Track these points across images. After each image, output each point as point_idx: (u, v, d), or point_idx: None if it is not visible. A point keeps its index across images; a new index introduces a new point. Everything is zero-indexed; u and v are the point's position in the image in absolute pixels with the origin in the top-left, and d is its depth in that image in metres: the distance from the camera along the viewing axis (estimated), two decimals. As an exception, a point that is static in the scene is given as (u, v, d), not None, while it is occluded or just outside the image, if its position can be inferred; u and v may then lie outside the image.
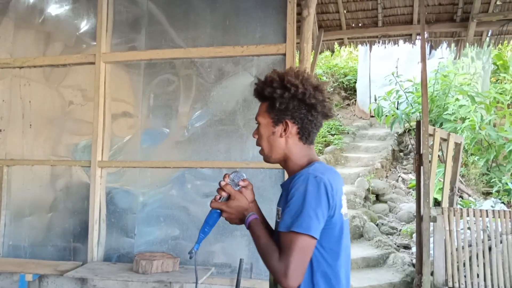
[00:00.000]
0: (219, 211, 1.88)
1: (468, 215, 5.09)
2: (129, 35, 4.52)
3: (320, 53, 6.77)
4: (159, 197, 4.34)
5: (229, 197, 1.88)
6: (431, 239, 5.04)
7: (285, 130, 1.84)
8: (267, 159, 1.94)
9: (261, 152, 1.94)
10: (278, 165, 4.05)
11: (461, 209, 5.16)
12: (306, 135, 1.86)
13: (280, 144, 1.86)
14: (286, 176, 2.00)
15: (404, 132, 11.04)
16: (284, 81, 1.80)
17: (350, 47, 6.88)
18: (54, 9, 4.73)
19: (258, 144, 1.94)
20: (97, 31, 4.46)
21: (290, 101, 1.80)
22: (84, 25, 4.62)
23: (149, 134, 4.46)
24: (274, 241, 1.73)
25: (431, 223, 4.98)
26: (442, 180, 5.85)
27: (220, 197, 1.89)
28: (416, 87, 9.46)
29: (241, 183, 1.92)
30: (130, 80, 4.54)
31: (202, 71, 4.33)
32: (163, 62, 4.40)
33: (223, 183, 1.89)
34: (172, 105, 4.40)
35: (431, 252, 4.99)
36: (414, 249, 6.27)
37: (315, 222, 1.64)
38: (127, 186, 4.45)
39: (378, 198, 8.98)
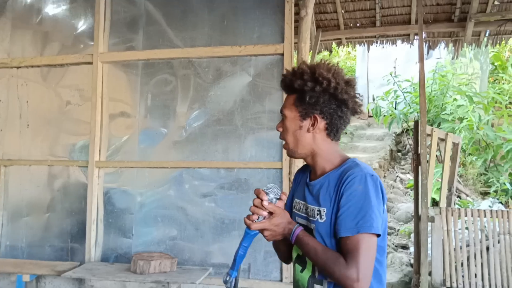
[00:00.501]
0: (256, 231, 1.72)
1: (466, 215, 5.09)
2: (127, 35, 4.51)
3: (318, 53, 6.77)
4: (157, 197, 4.34)
5: (270, 215, 1.71)
6: (429, 239, 5.04)
7: (313, 125, 1.74)
8: (291, 154, 1.82)
9: (285, 146, 1.82)
10: (276, 165, 4.06)
11: (459, 209, 5.16)
12: (334, 131, 1.77)
13: (307, 139, 1.76)
14: (293, 173, 1.98)
15: (402, 132, 11.04)
16: (315, 74, 1.71)
17: (348, 47, 6.88)
18: (51, 9, 4.72)
19: (282, 137, 1.83)
20: (95, 31, 4.45)
21: (321, 95, 1.71)
22: (82, 25, 4.61)
23: (146, 134, 4.46)
24: (330, 250, 1.63)
25: (429, 223, 4.97)
26: (440, 180, 5.85)
27: (258, 215, 1.71)
28: (414, 87, 9.48)
29: (283, 197, 1.76)
30: (127, 80, 4.53)
31: (200, 71, 4.33)
32: (160, 62, 4.39)
33: (265, 203, 1.70)
34: (170, 105, 4.40)
35: (429, 252, 4.99)
36: (412, 249, 6.27)
37: (379, 219, 1.60)
38: (125, 186, 4.44)
39: (376, 198, 8.96)
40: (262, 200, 1.69)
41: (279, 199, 1.75)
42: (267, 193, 1.72)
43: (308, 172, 1.87)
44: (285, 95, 1.89)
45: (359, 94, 1.80)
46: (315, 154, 1.78)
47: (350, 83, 1.76)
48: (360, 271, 1.53)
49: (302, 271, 1.79)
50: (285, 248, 1.90)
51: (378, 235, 1.60)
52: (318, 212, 1.71)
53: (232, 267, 1.75)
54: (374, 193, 1.60)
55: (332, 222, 1.65)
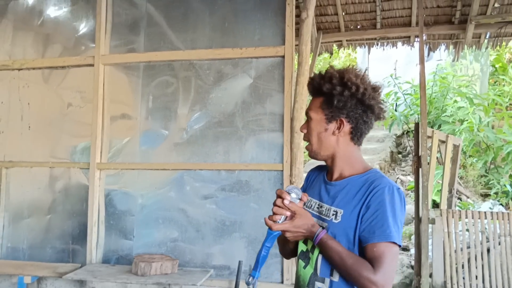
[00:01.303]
0: (279, 232, 1.72)
1: (466, 217, 5.10)
2: (128, 37, 4.52)
3: (318, 55, 6.78)
4: (158, 199, 4.34)
5: (291, 216, 1.72)
6: (430, 241, 5.05)
7: (338, 128, 1.78)
8: (314, 155, 1.85)
9: (308, 147, 1.86)
10: (277, 167, 4.07)
11: (460, 211, 5.17)
12: (358, 136, 1.81)
13: (331, 141, 1.80)
14: (306, 171, 1.95)
15: (403, 134, 11.06)
16: (344, 79, 1.75)
17: (348, 49, 6.89)
18: (53, 11, 4.73)
19: (305, 139, 1.87)
20: (96, 33, 4.46)
21: (349, 99, 1.75)
22: (83, 27, 4.62)
23: (148, 136, 4.46)
24: (354, 255, 1.66)
25: (430, 225, 4.97)
26: (441, 182, 5.85)
27: (281, 216, 1.71)
28: (414, 89, 9.50)
29: (305, 198, 1.76)
30: (129, 82, 4.54)
31: (201, 73, 4.34)
32: (162, 64, 4.40)
33: (286, 202, 1.70)
34: (171, 107, 4.40)
35: (430, 254, 4.99)
36: (412, 251, 6.27)
37: (401, 232, 1.66)
38: (126, 188, 4.45)
39: (377, 200, 8.97)
40: (284, 199, 1.70)
41: (300, 199, 1.75)
42: (289, 193, 1.72)
43: (324, 172, 1.91)
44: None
45: (383, 100, 1.85)
46: (336, 156, 1.82)
47: (376, 89, 1.80)
48: (386, 277, 1.58)
49: (305, 267, 1.82)
50: (293, 244, 1.91)
51: (400, 246, 1.66)
52: (334, 213, 1.74)
53: (255, 268, 1.76)
54: (400, 206, 1.67)
55: (350, 225, 1.69)
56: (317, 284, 1.74)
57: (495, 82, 11.23)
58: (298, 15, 4.31)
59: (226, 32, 4.30)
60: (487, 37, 6.12)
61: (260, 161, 4.11)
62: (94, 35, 4.49)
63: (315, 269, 1.76)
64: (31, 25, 4.76)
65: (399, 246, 1.65)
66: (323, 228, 1.74)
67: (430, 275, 4.93)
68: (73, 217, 4.46)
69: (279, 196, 1.73)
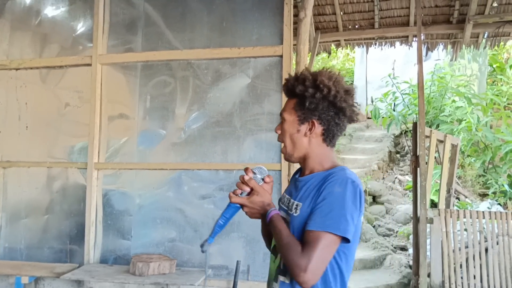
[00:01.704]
0: (238, 206, 1.83)
1: (464, 217, 5.10)
2: (126, 36, 4.51)
3: (316, 54, 6.79)
4: (156, 199, 4.34)
5: (250, 192, 1.83)
6: (428, 241, 5.05)
7: (310, 129, 1.82)
8: (288, 158, 1.89)
9: (283, 149, 1.90)
10: (275, 167, 4.06)
11: (458, 210, 5.17)
12: (330, 137, 1.84)
13: (303, 143, 1.84)
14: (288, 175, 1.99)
15: (401, 133, 11.06)
16: (317, 81, 1.78)
17: (346, 48, 6.89)
18: (50, 11, 4.72)
19: (280, 139, 1.91)
20: (94, 33, 4.45)
21: (321, 101, 1.79)
22: (81, 27, 4.61)
23: (145, 136, 4.46)
24: (295, 238, 1.70)
25: (428, 225, 4.98)
26: (439, 181, 5.86)
27: (241, 192, 1.83)
28: (412, 89, 9.49)
29: (267, 180, 1.88)
30: (126, 81, 4.53)
31: (199, 73, 4.33)
32: (159, 63, 4.39)
33: (247, 177, 1.83)
34: (169, 106, 4.40)
35: (428, 253, 5.00)
36: (411, 251, 6.28)
37: (349, 225, 1.65)
38: (124, 188, 4.44)
39: (375, 199, 8.99)
40: (245, 176, 1.83)
41: (264, 180, 1.86)
42: (254, 172, 1.85)
43: (300, 171, 1.96)
44: (284, 97, 1.94)
45: (357, 103, 1.88)
46: (307, 157, 1.86)
47: (349, 92, 1.83)
48: (310, 263, 1.59)
49: (274, 261, 1.88)
50: (268, 239, 1.99)
51: (346, 240, 1.65)
52: (296, 207, 1.79)
53: (211, 234, 1.83)
54: (351, 198, 1.67)
55: (306, 218, 1.72)
56: (280, 277, 1.80)
57: (493, 82, 11.24)
58: (296, 15, 4.31)
59: (224, 32, 4.30)
60: (485, 36, 6.12)
61: (258, 161, 4.10)
62: (91, 35, 4.48)
63: (280, 262, 1.80)
64: (28, 24, 4.74)
65: (343, 238, 1.64)
66: (287, 222, 1.80)
67: (428, 275, 4.94)
68: (71, 217, 4.45)
69: (245, 173, 1.85)
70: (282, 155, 1.93)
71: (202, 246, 1.83)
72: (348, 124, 1.89)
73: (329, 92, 1.77)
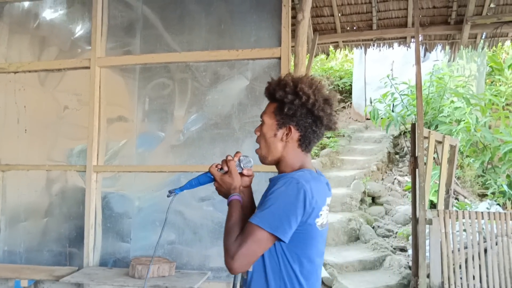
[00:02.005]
0: (212, 177, 1.95)
1: (463, 217, 5.10)
2: (124, 39, 4.52)
3: (315, 56, 6.79)
4: (155, 201, 4.34)
5: (227, 172, 1.94)
6: (427, 242, 5.05)
7: (287, 135, 1.87)
8: (262, 160, 1.96)
9: (258, 151, 1.97)
10: (274, 169, 4.06)
11: (457, 211, 5.17)
12: (306, 143, 1.89)
13: (278, 147, 1.89)
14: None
15: (400, 134, 11.06)
16: (297, 88, 1.82)
17: (345, 50, 6.89)
18: (49, 14, 4.72)
19: (257, 141, 1.97)
20: (92, 36, 4.45)
21: (299, 108, 1.83)
22: (79, 30, 4.62)
23: (144, 138, 4.46)
24: (240, 228, 1.77)
25: (427, 226, 4.98)
26: (438, 182, 5.86)
27: (221, 168, 1.96)
28: (411, 90, 9.50)
29: (245, 172, 2.00)
30: (125, 84, 4.54)
31: (197, 75, 4.33)
32: (158, 66, 4.40)
33: (229, 158, 1.96)
34: (168, 109, 4.40)
35: (427, 254, 5.00)
36: (410, 252, 6.28)
37: (285, 225, 1.69)
38: (123, 191, 4.44)
39: (374, 200, 8.99)
40: (228, 156, 1.97)
41: (242, 168, 1.99)
42: (240, 159, 1.99)
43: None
44: None
45: (335, 112, 1.95)
46: (281, 161, 1.91)
47: (328, 101, 1.88)
48: (239, 252, 1.67)
49: None
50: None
51: (278, 239, 1.70)
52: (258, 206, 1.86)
53: (180, 187, 2.01)
54: (292, 198, 1.71)
55: None
56: (243, 274, 1.90)
57: (492, 82, 11.25)
58: (294, 17, 4.31)
59: (222, 34, 4.30)
60: (483, 37, 6.13)
61: (257, 163, 4.09)
62: (90, 38, 4.49)
63: None
64: (27, 28, 4.75)
65: (275, 237, 1.69)
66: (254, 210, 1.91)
67: (428, 276, 4.94)
68: (70, 220, 4.45)
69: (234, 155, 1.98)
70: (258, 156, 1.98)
71: (170, 192, 2.02)
72: (326, 131, 1.93)
73: (307, 100, 1.81)
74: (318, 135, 1.89)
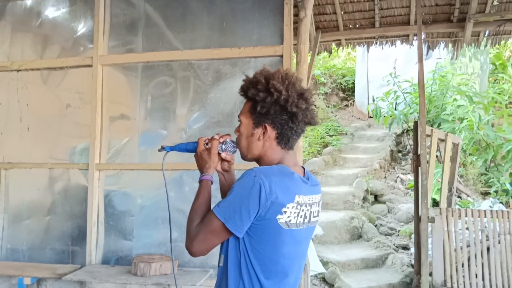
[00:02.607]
0: (196, 147, 2.01)
1: (466, 216, 5.10)
2: (126, 37, 4.52)
3: (317, 54, 6.78)
4: (157, 199, 4.34)
5: (208, 150, 1.98)
6: (430, 240, 5.05)
7: (264, 133, 1.84)
8: (243, 157, 1.94)
9: (239, 148, 1.95)
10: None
11: (459, 209, 5.17)
12: (285, 141, 1.85)
13: (257, 146, 1.86)
14: None
15: (403, 132, 11.05)
16: (268, 85, 1.78)
17: (347, 48, 6.88)
18: (51, 12, 4.73)
19: (237, 141, 1.95)
20: (94, 34, 4.45)
21: (272, 106, 1.79)
22: (81, 28, 4.62)
23: (146, 136, 4.46)
24: (206, 210, 1.83)
25: (430, 224, 4.98)
26: (440, 180, 5.86)
27: (207, 143, 2.00)
28: (414, 88, 9.49)
29: (223, 155, 2.00)
30: (127, 82, 4.54)
31: (200, 73, 4.33)
32: (160, 64, 4.40)
33: (216, 137, 1.98)
34: (170, 107, 4.40)
35: (430, 252, 4.99)
36: (413, 250, 6.27)
37: (236, 216, 1.69)
38: (125, 189, 4.44)
39: (377, 198, 8.99)
40: (216, 135, 2.00)
41: (222, 153, 1.99)
42: (225, 141, 2.00)
43: None
44: None
45: (313, 105, 1.89)
46: (260, 159, 1.89)
47: (303, 96, 1.83)
48: (197, 238, 1.76)
49: None
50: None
51: (227, 228, 1.71)
52: None
53: (172, 146, 2.12)
54: (245, 191, 1.69)
55: None
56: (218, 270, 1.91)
57: (495, 80, 11.22)
58: (296, 14, 4.31)
59: (224, 32, 4.30)
60: (486, 35, 6.12)
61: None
62: (92, 36, 4.48)
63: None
64: (29, 26, 4.75)
65: (227, 228, 1.71)
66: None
67: (430, 274, 4.93)
68: (73, 218, 4.46)
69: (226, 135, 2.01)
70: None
71: (162, 147, 2.13)
72: (306, 127, 1.90)
73: (279, 97, 1.77)
74: (296, 131, 1.85)
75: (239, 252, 1.76)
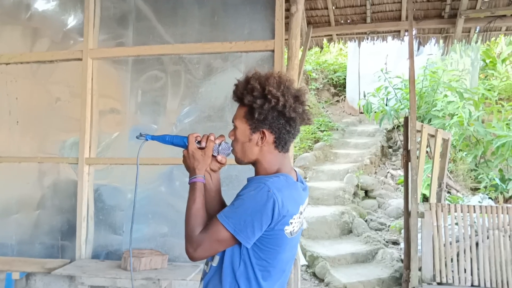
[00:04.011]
0: (186, 144, 1.93)
1: (455, 211, 5.13)
2: (117, 31, 4.49)
3: (309, 49, 6.77)
4: (148, 194, 4.33)
5: (201, 149, 1.92)
6: (419, 235, 5.07)
7: (262, 138, 1.84)
8: (238, 162, 1.93)
9: (234, 153, 1.94)
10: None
11: (449, 204, 5.19)
12: (282, 144, 1.86)
13: (254, 151, 1.86)
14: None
15: (393, 128, 11.09)
16: (265, 91, 1.78)
17: (339, 43, 6.88)
18: (40, 5, 4.69)
19: (232, 145, 1.93)
20: (84, 27, 4.42)
21: (270, 112, 1.79)
22: (71, 21, 4.58)
23: (137, 130, 4.42)
24: (204, 214, 1.83)
25: (419, 219, 5.00)
26: (430, 176, 5.88)
27: (199, 141, 1.93)
28: (405, 84, 9.50)
29: (219, 157, 1.95)
30: (117, 76, 4.52)
31: (191, 67, 4.32)
32: (151, 58, 4.38)
33: (211, 138, 1.92)
34: (160, 101, 4.39)
35: (419, 247, 5.02)
36: (402, 245, 6.30)
37: (249, 230, 1.70)
38: (115, 183, 4.43)
39: (367, 194, 9.02)
40: (212, 135, 1.93)
41: (217, 155, 1.94)
42: (221, 144, 1.93)
43: None
44: None
45: (308, 106, 1.91)
46: (258, 162, 1.89)
47: (299, 100, 1.84)
48: (201, 246, 1.74)
49: None
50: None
51: (237, 241, 1.72)
52: None
53: (153, 136, 2.02)
54: (259, 206, 1.70)
55: None
56: (205, 267, 1.90)
57: (485, 77, 11.28)
58: (287, 9, 4.29)
59: (215, 26, 4.29)
60: (477, 31, 6.13)
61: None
62: (82, 29, 4.45)
63: None
64: (18, 19, 4.71)
65: (234, 237, 1.71)
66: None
67: (420, 269, 4.96)
68: (62, 213, 4.44)
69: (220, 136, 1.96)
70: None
71: (141, 135, 2.00)
72: (302, 125, 1.92)
73: (277, 103, 1.78)
74: (293, 134, 1.87)
75: (239, 258, 1.78)
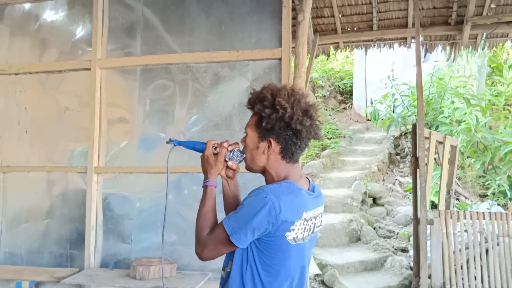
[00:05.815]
0: (204, 148, 2.02)
1: (464, 218, 5.10)
2: (125, 40, 4.52)
3: (315, 57, 6.79)
4: (156, 202, 4.33)
5: (215, 154, 2.00)
6: (428, 242, 5.05)
7: (268, 147, 1.88)
8: (248, 168, 1.99)
9: (245, 159, 2.00)
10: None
11: (458, 211, 5.17)
12: (289, 155, 1.90)
13: (261, 159, 1.92)
14: None
15: (401, 135, 11.06)
16: (274, 101, 1.83)
17: (345, 51, 6.89)
18: (49, 16, 4.73)
19: (243, 151, 2.00)
20: (93, 37, 4.46)
21: (277, 122, 1.84)
22: (80, 31, 4.62)
23: (145, 139, 4.46)
24: (213, 217, 1.92)
25: (428, 226, 4.98)
26: (439, 183, 5.86)
27: (216, 147, 2.02)
28: (412, 90, 9.49)
29: (229, 163, 2.02)
30: (126, 85, 4.54)
31: (198, 76, 4.33)
32: (158, 67, 4.40)
33: (225, 145, 2.00)
34: (168, 110, 4.40)
35: (429, 255, 5.00)
36: (411, 252, 6.27)
37: (242, 233, 1.76)
38: (124, 192, 4.44)
39: (375, 201, 8.99)
40: (226, 143, 2.01)
41: (228, 161, 2.01)
42: (233, 150, 2.01)
43: None
44: None
45: (318, 121, 1.94)
46: (266, 171, 1.95)
47: (308, 113, 1.88)
48: (208, 247, 1.84)
49: None
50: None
51: (233, 244, 1.79)
52: None
53: (180, 141, 2.12)
54: (255, 211, 1.75)
55: None
56: (222, 273, 1.96)
57: (492, 83, 11.25)
58: (294, 18, 4.31)
59: (222, 35, 4.30)
60: (483, 37, 6.13)
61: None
62: (90, 39, 4.49)
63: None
64: (27, 29, 4.76)
65: (230, 238, 1.77)
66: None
67: (429, 276, 4.94)
68: (71, 222, 4.45)
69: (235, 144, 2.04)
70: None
71: (170, 140, 2.11)
72: (309, 141, 1.95)
73: (284, 114, 1.82)
74: (300, 146, 1.91)
75: (246, 262, 1.83)
